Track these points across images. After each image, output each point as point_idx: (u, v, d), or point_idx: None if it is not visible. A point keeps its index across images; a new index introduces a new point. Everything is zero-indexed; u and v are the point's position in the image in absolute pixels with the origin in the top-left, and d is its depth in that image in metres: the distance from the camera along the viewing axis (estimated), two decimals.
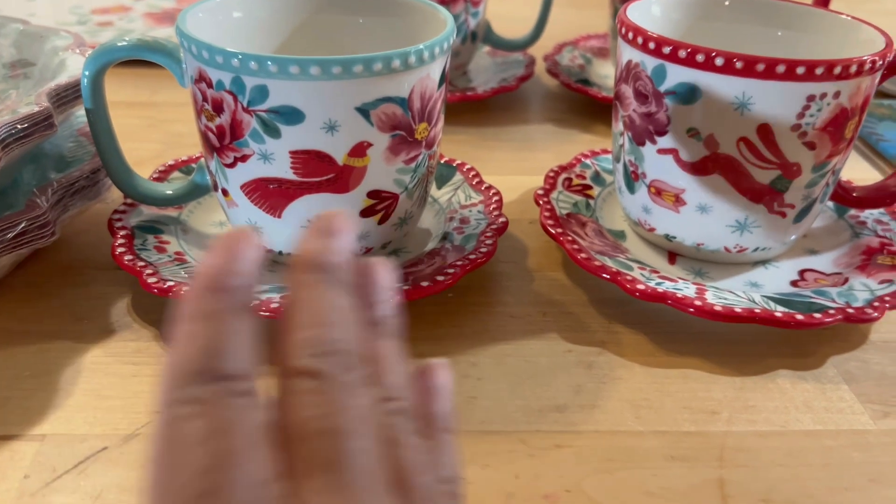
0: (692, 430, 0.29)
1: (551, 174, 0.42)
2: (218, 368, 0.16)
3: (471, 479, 0.27)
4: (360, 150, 0.32)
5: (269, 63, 0.30)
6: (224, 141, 0.32)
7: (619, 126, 0.38)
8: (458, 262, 0.34)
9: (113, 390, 0.30)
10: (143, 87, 0.58)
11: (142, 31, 0.67)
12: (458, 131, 0.53)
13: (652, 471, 0.28)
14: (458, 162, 0.43)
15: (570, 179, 0.43)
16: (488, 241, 0.36)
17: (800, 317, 0.32)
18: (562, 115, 0.57)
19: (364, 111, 0.31)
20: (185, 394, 0.16)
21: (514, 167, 0.49)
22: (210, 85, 0.31)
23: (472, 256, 0.35)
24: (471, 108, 0.56)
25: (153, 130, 0.52)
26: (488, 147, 0.52)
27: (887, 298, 0.33)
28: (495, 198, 0.40)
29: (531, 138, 0.53)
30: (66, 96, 0.36)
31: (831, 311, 0.32)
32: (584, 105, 0.57)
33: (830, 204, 0.41)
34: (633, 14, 0.37)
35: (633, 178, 0.37)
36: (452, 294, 0.36)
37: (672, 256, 0.38)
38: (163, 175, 0.41)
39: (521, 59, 0.61)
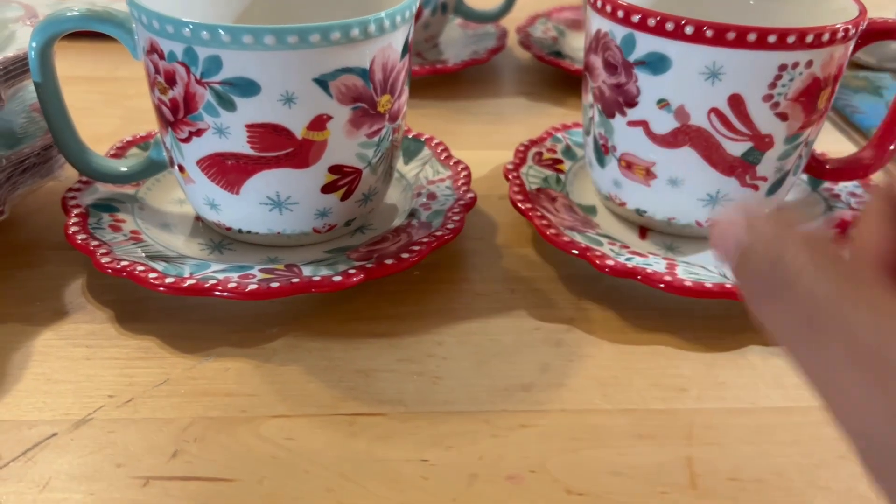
0: (660, 408, 0.29)
1: (521, 148, 0.42)
2: None
3: (433, 460, 0.26)
4: (319, 123, 0.31)
5: (222, 32, 0.28)
6: (178, 115, 0.31)
7: (588, 98, 0.37)
8: (425, 240, 0.33)
9: (64, 374, 0.29)
10: (104, 61, 0.57)
11: (105, 2, 0.65)
12: (428, 105, 0.52)
13: (618, 449, 0.27)
14: (427, 136, 0.42)
15: (540, 154, 0.42)
16: (456, 218, 0.35)
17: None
18: (534, 88, 0.56)
19: (322, 83, 0.30)
20: None
21: (484, 141, 0.48)
22: (162, 56, 0.30)
23: (439, 233, 0.34)
24: (441, 81, 0.55)
25: (113, 106, 0.51)
26: (458, 121, 0.51)
27: None
28: (464, 173, 0.39)
29: (502, 112, 0.52)
30: (15, 70, 0.35)
31: None
32: (557, 78, 0.56)
33: (804, 177, 0.41)
34: None
35: (603, 151, 0.37)
36: (418, 272, 0.35)
37: (643, 231, 0.38)
38: (120, 151, 0.40)
39: (493, 31, 0.60)
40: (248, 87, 0.29)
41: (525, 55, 0.60)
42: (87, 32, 0.34)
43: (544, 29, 0.61)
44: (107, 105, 0.51)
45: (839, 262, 0.16)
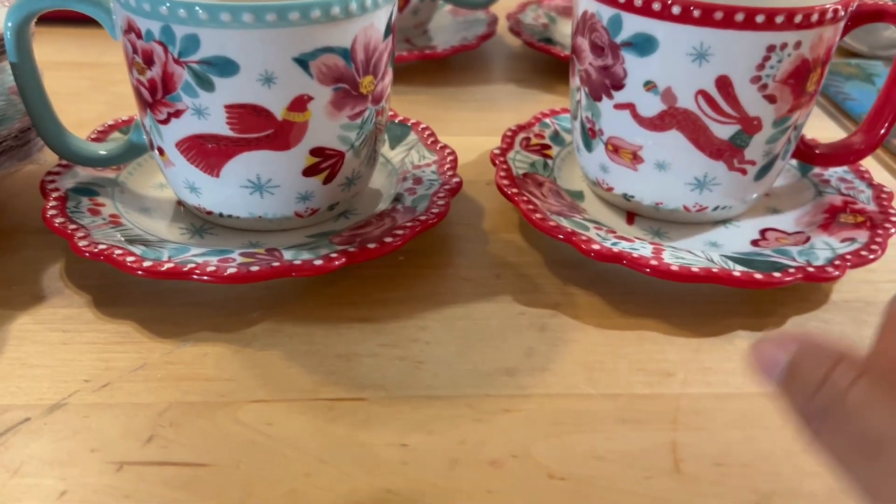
0: (646, 393, 0.28)
1: (509, 133, 0.41)
2: None
3: (414, 445, 0.26)
4: (299, 103, 0.30)
5: (199, 10, 0.28)
6: (156, 96, 0.31)
7: (576, 81, 0.36)
8: (409, 224, 0.33)
9: (40, 359, 0.29)
10: (90, 46, 0.56)
11: None
12: (417, 91, 0.51)
13: (602, 434, 0.26)
14: (413, 121, 0.42)
15: (528, 139, 0.41)
16: (441, 203, 0.34)
17: (758, 276, 0.31)
18: (524, 74, 0.55)
19: (303, 62, 0.29)
20: None
21: (473, 127, 0.48)
22: (139, 35, 0.30)
23: (424, 218, 0.33)
24: (430, 67, 0.54)
25: (98, 91, 0.50)
26: (448, 107, 0.50)
27: (848, 257, 0.33)
28: (450, 158, 0.38)
29: (492, 98, 0.52)
30: None
31: (791, 270, 0.31)
32: (548, 64, 0.56)
33: (794, 162, 0.40)
34: None
35: (590, 135, 0.36)
36: (404, 257, 0.35)
37: (630, 217, 0.37)
38: (101, 135, 0.40)
39: (484, 18, 0.59)
40: (226, 67, 0.29)
41: (515, 42, 0.60)
42: (73, 17, 0.34)
43: (535, 16, 0.61)
44: (93, 91, 0.51)
45: (888, 385, 0.17)
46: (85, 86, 0.51)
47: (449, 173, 0.37)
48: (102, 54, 0.55)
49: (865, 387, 0.17)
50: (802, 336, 0.19)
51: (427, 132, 0.41)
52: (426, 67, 0.54)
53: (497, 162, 0.38)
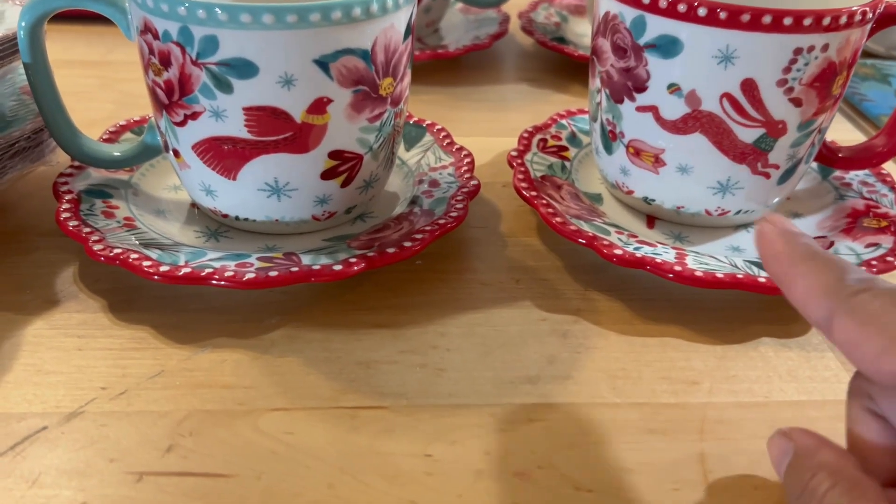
0: (671, 402, 0.28)
1: (525, 135, 0.41)
2: None
3: (438, 456, 0.25)
4: (319, 106, 0.30)
5: (219, 11, 0.27)
6: (173, 97, 0.30)
7: (596, 83, 0.36)
8: (427, 228, 0.32)
9: (55, 365, 0.28)
10: (98, 44, 0.56)
11: None
12: (429, 91, 0.51)
13: (629, 445, 0.26)
14: (429, 122, 0.41)
15: (545, 140, 0.41)
16: (459, 206, 0.34)
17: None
18: (536, 74, 0.55)
19: (323, 64, 0.29)
20: None
21: (486, 128, 0.47)
22: (156, 36, 0.29)
23: (442, 221, 0.33)
24: (442, 66, 0.53)
25: (107, 90, 0.50)
26: (460, 107, 0.50)
27: (874, 263, 0.32)
28: (467, 160, 0.38)
29: (504, 98, 0.51)
30: (3, 51, 0.34)
31: None
32: (560, 64, 0.55)
33: (814, 165, 0.40)
34: None
35: (610, 137, 0.36)
36: (421, 261, 0.34)
37: (651, 220, 0.37)
38: (113, 136, 0.39)
39: (495, 17, 0.59)
40: (245, 69, 0.28)
41: (527, 41, 0.59)
42: (81, 15, 0.33)
43: (547, 14, 0.60)
44: (101, 89, 0.50)
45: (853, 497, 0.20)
46: (93, 84, 0.50)
47: (466, 176, 0.37)
48: (110, 52, 0.55)
49: (836, 496, 0.20)
50: (804, 435, 0.22)
51: (443, 133, 0.40)
52: (438, 67, 0.53)
53: (514, 164, 0.37)
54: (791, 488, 0.21)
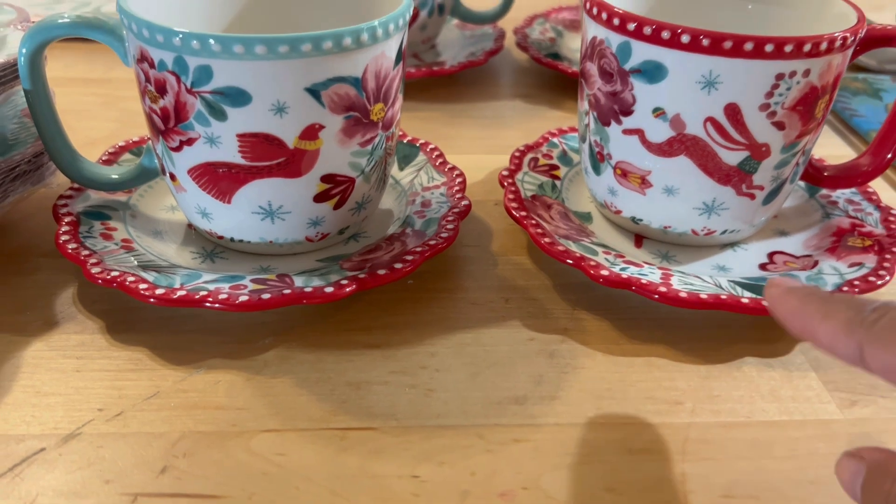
0: (655, 422, 0.28)
1: (517, 154, 0.41)
2: None
3: (425, 477, 0.26)
4: (311, 132, 0.30)
5: (212, 42, 0.28)
6: (169, 124, 0.31)
7: (584, 105, 0.37)
8: (418, 249, 0.33)
9: (54, 386, 0.29)
10: (100, 62, 0.56)
11: (100, 3, 0.64)
12: (425, 108, 0.52)
13: (612, 465, 0.27)
14: (422, 141, 0.42)
15: (536, 159, 0.41)
16: (449, 226, 0.35)
17: (766, 303, 0.31)
18: (531, 90, 0.55)
19: (314, 92, 0.30)
20: None
21: (481, 145, 0.48)
22: (152, 65, 0.30)
23: (433, 242, 0.34)
24: (437, 83, 0.54)
25: (108, 108, 0.51)
26: (456, 124, 0.50)
27: (857, 283, 0.33)
28: (459, 179, 0.39)
29: (500, 115, 0.52)
30: (5, 76, 0.34)
31: None
32: (555, 80, 0.56)
33: (802, 183, 0.41)
34: None
35: (598, 158, 0.36)
36: (413, 280, 0.35)
37: (639, 239, 0.37)
38: (112, 157, 0.40)
39: (491, 33, 0.60)
40: (238, 97, 0.29)
41: (523, 56, 0.60)
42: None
43: (542, 30, 0.61)
44: (103, 107, 0.51)
45: None
46: (94, 102, 0.51)
47: (458, 196, 0.37)
48: (111, 70, 0.56)
49: None
50: (873, 451, 0.22)
51: (436, 153, 0.41)
52: (433, 83, 0.54)
53: (505, 184, 0.38)
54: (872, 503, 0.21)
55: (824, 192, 0.40)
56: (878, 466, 0.22)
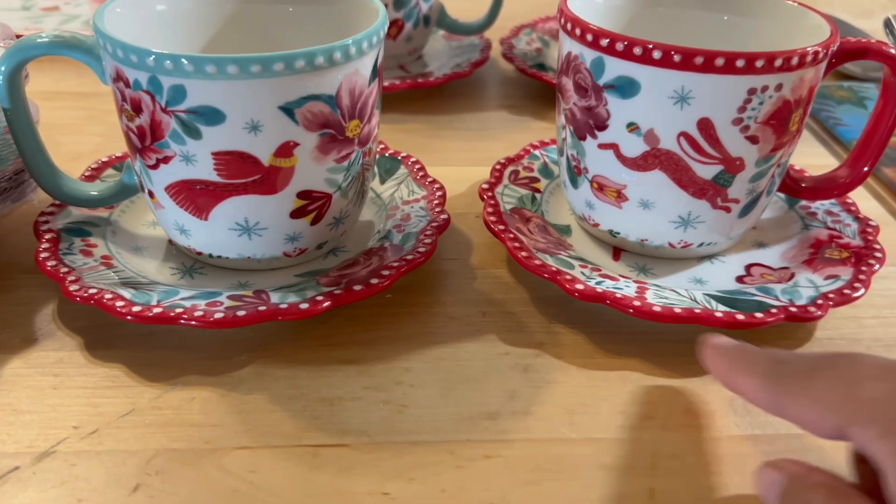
0: (625, 437, 0.29)
1: (498, 167, 0.41)
2: None
3: (395, 494, 0.26)
4: (286, 149, 0.31)
5: (185, 62, 0.28)
6: (145, 142, 0.31)
7: (561, 119, 0.37)
8: (395, 264, 0.33)
9: (30, 405, 0.29)
10: (87, 76, 0.56)
11: (88, 17, 0.65)
12: (409, 120, 0.52)
13: (582, 481, 0.27)
14: (404, 154, 0.42)
15: (517, 172, 0.42)
16: (427, 241, 0.35)
17: (740, 317, 0.31)
18: (517, 101, 0.56)
19: (288, 110, 0.30)
20: None
21: (465, 157, 0.48)
22: (128, 84, 0.30)
23: (410, 257, 0.34)
24: (422, 95, 0.54)
25: (95, 123, 0.51)
26: (441, 136, 0.51)
27: (832, 296, 0.33)
28: (439, 193, 0.39)
29: (485, 126, 0.52)
30: None
31: (773, 311, 0.32)
32: (540, 90, 0.56)
33: (781, 195, 0.41)
34: (575, 2, 0.36)
35: (576, 172, 0.36)
36: (391, 294, 0.35)
37: (617, 252, 0.38)
38: (95, 173, 0.40)
39: (478, 43, 0.60)
40: (212, 116, 0.29)
41: (509, 67, 0.60)
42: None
43: (528, 40, 0.61)
44: (89, 122, 0.51)
45: None
46: (81, 117, 0.51)
47: (437, 209, 0.38)
48: (98, 84, 0.55)
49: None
50: (792, 464, 0.24)
51: (417, 166, 0.41)
52: (419, 95, 0.54)
53: (485, 197, 0.38)
54: None
55: (804, 203, 0.41)
56: (798, 478, 0.23)
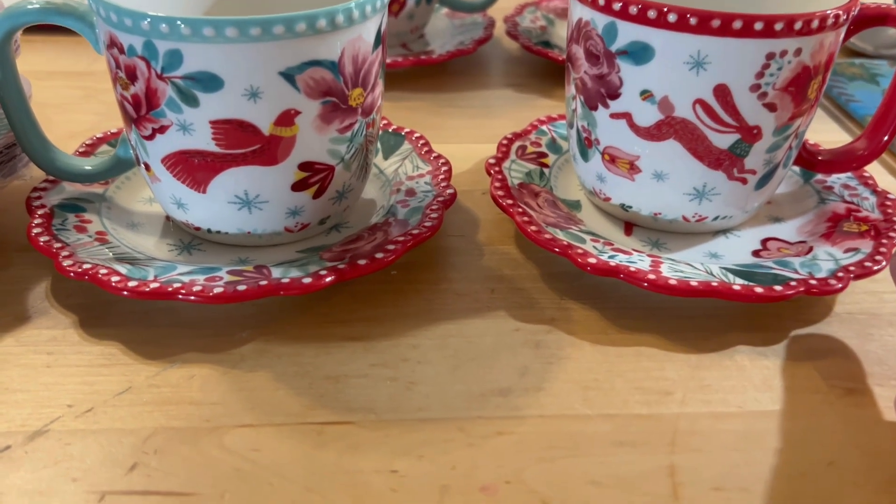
0: (643, 413, 0.28)
1: (504, 142, 0.40)
2: None
3: (404, 471, 0.25)
4: (287, 118, 0.30)
5: (181, 25, 0.27)
6: (140, 111, 0.30)
7: (571, 89, 0.36)
8: (400, 238, 0.32)
9: (22, 383, 0.28)
10: (83, 55, 0.55)
11: None
12: (413, 97, 0.51)
13: (598, 458, 0.26)
14: (408, 130, 0.41)
15: (524, 147, 0.40)
16: (434, 215, 0.34)
17: (759, 290, 0.30)
18: (521, 79, 0.54)
19: (289, 76, 0.29)
20: None
21: (470, 135, 0.47)
22: (122, 51, 0.29)
23: (416, 232, 0.33)
24: (426, 73, 0.53)
25: (90, 101, 0.50)
26: (444, 114, 0.50)
27: (852, 268, 0.32)
28: (444, 168, 0.38)
29: (489, 104, 0.51)
30: None
31: (793, 283, 0.31)
32: (545, 68, 0.55)
33: (797, 169, 0.40)
34: None
35: (586, 144, 0.35)
36: (396, 271, 0.34)
37: (629, 227, 0.36)
38: (90, 149, 0.39)
39: (481, 21, 0.59)
40: (210, 82, 0.28)
41: (513, 45, 0.59)
42: (62, 27, 0.33)
43: (532, 18, 0.60)
44: (84, 101, 0.50)
45: None
46: (76, 96, 0.50)
47: (443, 184, 0.36)
48: (93, 63, 0.55)
49: None
50: None
51: (421, 141, 0.40)
52: (422, 73, 0.53)
53: (492, 172, 0.37)
54: None
55: (819, 177, 0.39)
56: None
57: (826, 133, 0.48)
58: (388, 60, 0.51)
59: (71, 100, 0.50)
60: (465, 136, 0.47)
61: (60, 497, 0.24)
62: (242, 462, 0.25)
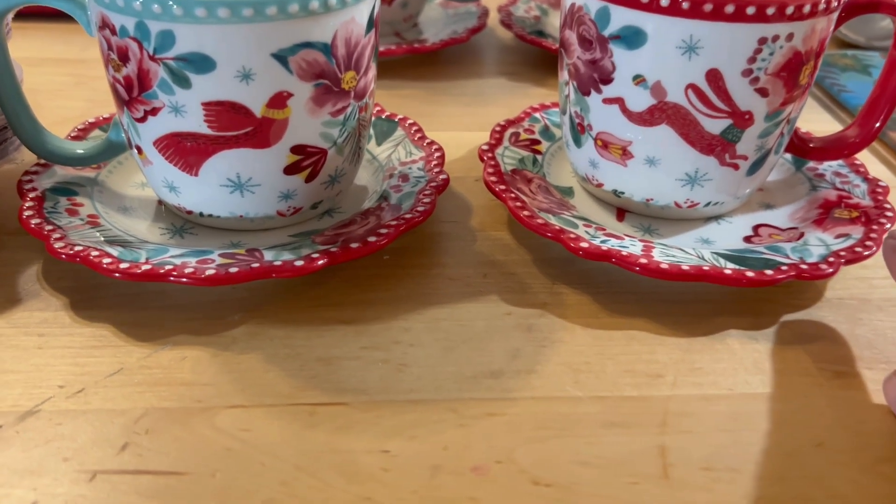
0: (633, 395, 0.28)
1: (497, 129, 0.40)
2: None
3: (395, 452, 0.25)
4: (279, 100, 0.29)
5: (173, 5, 0.27)
6: (132, 93, 0.30)
7: (564, 75, 0.36)
8: (393, 223, 0.32)
9: (13, 364, 0.28)
10: (74, 42, 0.55)
11: None
12: (406, 86, 0.51)
13: (588, 438, 0.26)
14: (401, 117, 0.41)
15: (517, 134, 0.41)
16: (426, 200, 0.34)
17: (750, 274, 0.30)
18: (515, 68, 0.54)
19: (282, 58, 0.29)
20: None
21: (462, 122, 0.47)
22: (114, 31, 0.29)
23: (409, 216, 0.33)
24: (419, 61, 0.53)
25: (81, 88, 0.49)
26: (437, 102, 0.49)
27: (843, 253, 0.32)
28: (437, 154, 0.38)
29: (482, 93, 0.51)
30: None
31: (784, 268, 0.31)
32: (539, 57, 0.55)
33: (788, 156, 0.40)
34: None
35: (579, 130, 0.35)
36: (389, 256, 0.34)
37: (621, 213, 0.36)
38: (82, 133, 0.39)
39: (475, 11, 0.59)
40: (203, 63, 0.28)
41: (506, 34, 0.59)
42: (54, 12, 0.33)
43: (526, 8, 0.60)
44: (75, 87, 0.50)
45: None
46: (67, 82, 0.50)
47: (436, 170, 0.36)
48: (85, 49, 0.55)
49: None
50: None
51: (414, 128, 0.40)
52: (415, 61, 0.53)
53: (485, 158, 0.37)
54: None
55: (811, 164, 0.40)
56: None
57: (818, 123, 0.48)
58: (382, 49, 0.51)
59: (62, 86, 0.50)
60: (457, 124, 0.47)
61: (52, 476, 0.24)
62: (233, 442, 0.25)
